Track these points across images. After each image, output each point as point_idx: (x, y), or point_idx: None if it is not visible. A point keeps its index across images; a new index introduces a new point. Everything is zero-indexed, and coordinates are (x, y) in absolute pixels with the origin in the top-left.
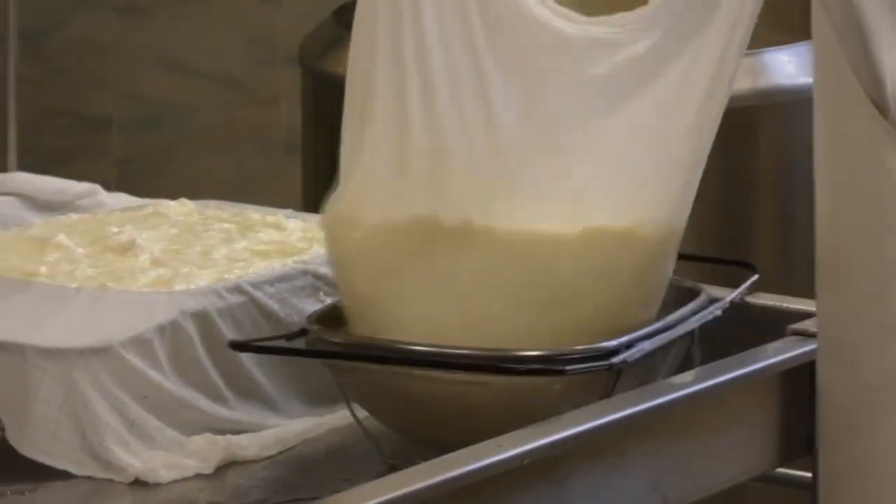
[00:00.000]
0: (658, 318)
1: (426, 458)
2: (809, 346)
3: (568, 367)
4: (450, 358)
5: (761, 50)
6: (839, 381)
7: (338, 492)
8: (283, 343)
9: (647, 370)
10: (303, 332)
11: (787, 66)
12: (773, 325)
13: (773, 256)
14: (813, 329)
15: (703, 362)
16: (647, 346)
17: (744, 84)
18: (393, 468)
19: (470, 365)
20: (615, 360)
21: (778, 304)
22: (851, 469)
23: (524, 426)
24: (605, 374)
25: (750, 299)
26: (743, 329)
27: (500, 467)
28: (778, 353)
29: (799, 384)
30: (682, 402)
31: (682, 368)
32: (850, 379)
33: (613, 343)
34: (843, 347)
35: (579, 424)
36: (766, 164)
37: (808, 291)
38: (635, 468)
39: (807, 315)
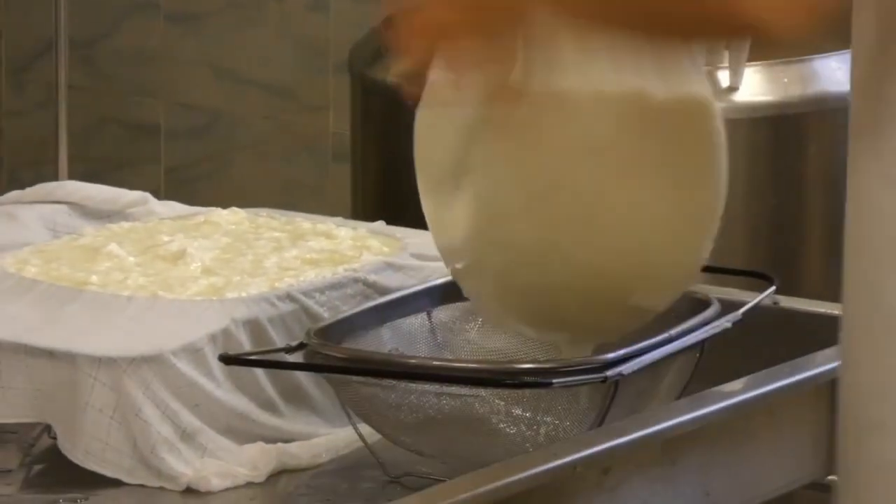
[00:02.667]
0: (662, 330)
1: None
2: None
3: (554, 381)
4: (445, 371)
5: (811, 57)
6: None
7: (389, 500)
8: (281, 356)
9: (651, 381)
10: (301, 346)
11: (837, 73)
12: (823, 333)
13: (824, 263)
14: None
15: (751, 370)
16: (646, 359)
17: (794, 91)
18: (396, 482)
19: (465, 378)
20: (610, 373)
21: (829, 311)
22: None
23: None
24: (602, 388)
25: (800, 306)
26: (793, 336)
27: (553, 475)
28: (828, 361)
29: None
30: (731, 410)
31: (691, 381)
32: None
33: (610, 356)
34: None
35: (630, 433)
36: (816, 170)
37: None
38: (686, 476)
39: None
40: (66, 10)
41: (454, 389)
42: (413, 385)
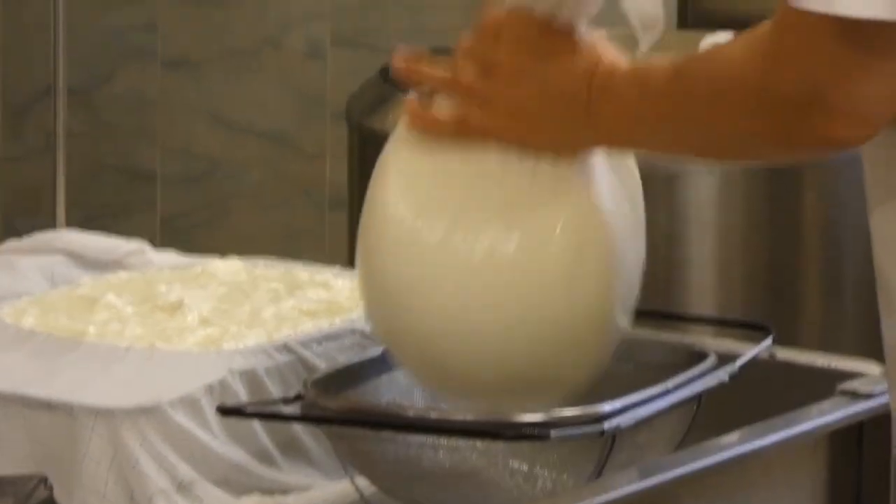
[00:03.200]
0: (660, 381)
1: None
2: (858, 407)
3: (553, 433)
4: (443, 423)
5: None
6: None
7: None
8: (279, 408)
9: (648, 433)
10: (298, 398)
11: None
12: (821, 384)
13: (821, 314)
14: (863, 389)
15: (748, 422)
16: (642, 412)
17: None
18: None
19: (463, 430)
20: (607, 426)
21: (826, 363)
22: None
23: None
24: (599, 440)
25: (797, 358)
26: (790, 388)
27: None
28: (825, 414)
29: (847, 445)
30: (728, 463)
31: (689, 432)
32: None
33: (607, 408)
34: None
35: (628, 486)
36: (813, 219)
37: (857, 350)
38: None
39: (856, 375)
40: (65, 56)
41: (452, 442)
42: (410, 437)
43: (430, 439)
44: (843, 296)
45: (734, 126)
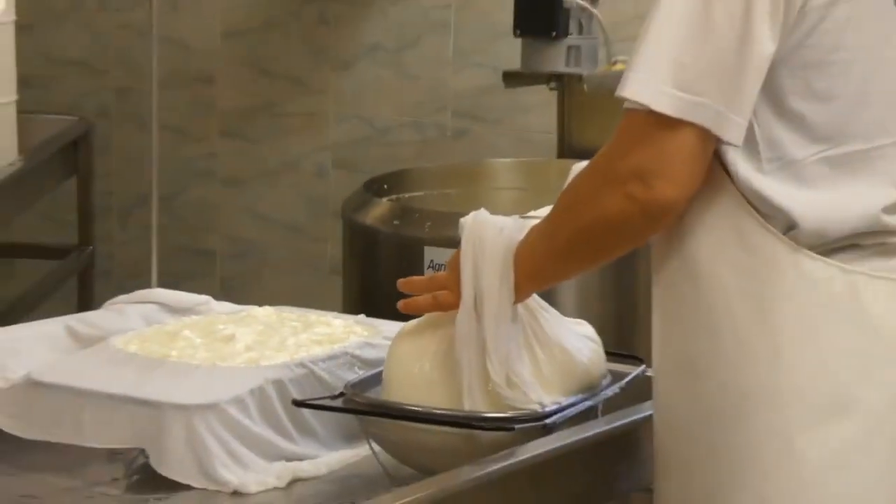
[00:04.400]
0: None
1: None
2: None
3: (517, 426)
4: (434, 416)
5: None
6: None
7: (368, 499)
8: (328, 402)
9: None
10: (341, 395)
11: None
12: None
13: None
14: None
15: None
16: (571, 411)
17: None
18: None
19: (447, 421)
20: (548, 421)
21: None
22: None
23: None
24: (541, 430)
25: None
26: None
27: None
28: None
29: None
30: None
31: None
32: None
33: (551, 408)
34: None
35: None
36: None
37: None
38: None
39: None
40: (157, 175)
41: (442, 428)
42: (410, 423)
43: (426, 426)
44: None
45: (600, 209)
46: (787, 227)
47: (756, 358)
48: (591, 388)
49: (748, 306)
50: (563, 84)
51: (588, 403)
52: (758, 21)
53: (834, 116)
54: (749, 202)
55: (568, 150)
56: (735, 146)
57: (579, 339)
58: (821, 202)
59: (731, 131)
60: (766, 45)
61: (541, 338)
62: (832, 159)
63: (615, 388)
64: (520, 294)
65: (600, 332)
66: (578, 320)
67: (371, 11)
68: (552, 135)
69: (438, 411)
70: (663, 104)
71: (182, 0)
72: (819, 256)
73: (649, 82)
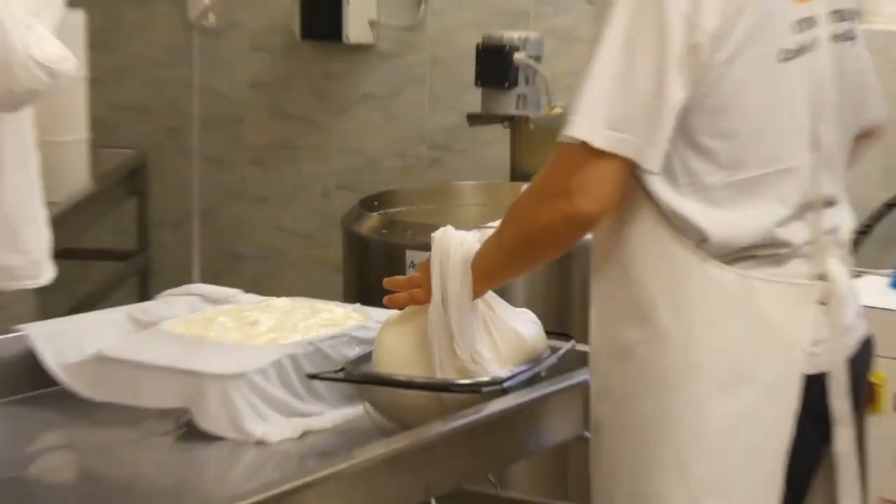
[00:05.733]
0: (538, 362)
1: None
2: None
3: (484, 388)
4: (415, 383)
5: None
6: None
7: (363, 446)
8: (332, 374)
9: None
10: (342, 369)
11: None
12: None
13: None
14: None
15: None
16: (521, 377)
17: None
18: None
19: (428, 387)
20: (505, 384)
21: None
22: None
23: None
24: (499, 392)
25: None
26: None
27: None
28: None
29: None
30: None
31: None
32: None
33: (506, 375)
34: None
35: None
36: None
37: None
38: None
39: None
40: (198, 196)
41: (422, 393)
42: (397, 390)
43: (409, 391)
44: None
45: (537, 221)
46: (700, 239)
47: (673, 342)
48: (535, 360)
49: (667, 302)
50: (515, 123)
51: (534, 370)
52: (670, 76)
53: (736, 149)
54: (669, 220)
55: (518, 174)
56: (654, 174)
57: (525, 323)
58: (726, 220)
59: (650, 162)
60: (677, 94)
61: (496, 323)
62: (735, 184)
63: (553, 359)
64: (478, 291)
65: (542, 317)
66: (524, 309)
67: (365, 68)
68: (506, 163)
69: (419, 380)
70: (599, 141)
71: (219, 59)
72: (723, 264)
73: (589, 124)
